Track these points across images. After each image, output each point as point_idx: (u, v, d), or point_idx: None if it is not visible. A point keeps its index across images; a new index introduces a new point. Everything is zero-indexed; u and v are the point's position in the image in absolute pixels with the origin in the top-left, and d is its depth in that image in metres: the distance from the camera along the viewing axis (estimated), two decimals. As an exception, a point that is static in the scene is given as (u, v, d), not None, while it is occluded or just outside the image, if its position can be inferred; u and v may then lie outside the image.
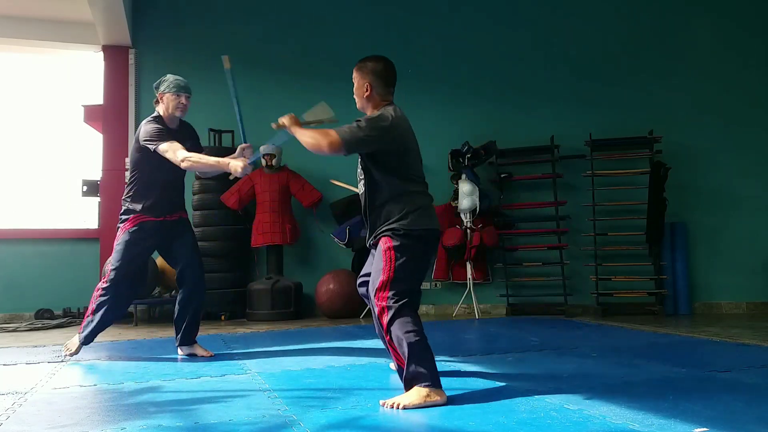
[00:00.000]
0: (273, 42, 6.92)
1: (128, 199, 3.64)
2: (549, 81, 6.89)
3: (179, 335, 3.81)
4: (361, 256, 6.48)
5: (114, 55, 6.65)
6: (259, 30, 6.91)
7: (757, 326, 4.98)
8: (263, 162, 6.28)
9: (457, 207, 6.25)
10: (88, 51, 6.89)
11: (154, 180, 3.61)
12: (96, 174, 6.66)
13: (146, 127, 3.54)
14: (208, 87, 6.71)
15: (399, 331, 2.43)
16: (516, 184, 6.68)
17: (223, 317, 6.07)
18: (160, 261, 6.02)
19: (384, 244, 2.72)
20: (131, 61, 6.63)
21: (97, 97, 6.72)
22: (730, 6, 6.89)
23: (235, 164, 3.39)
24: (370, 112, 2.86)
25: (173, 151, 3.43)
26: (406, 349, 2.40)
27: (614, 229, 6.35)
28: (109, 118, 6.59)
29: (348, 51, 6.96)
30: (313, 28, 6.96)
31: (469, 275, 6.18)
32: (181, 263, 3.78)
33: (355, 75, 3.02)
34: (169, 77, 3.67)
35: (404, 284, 2.54)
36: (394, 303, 2.48)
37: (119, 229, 3.65)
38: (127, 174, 3.77)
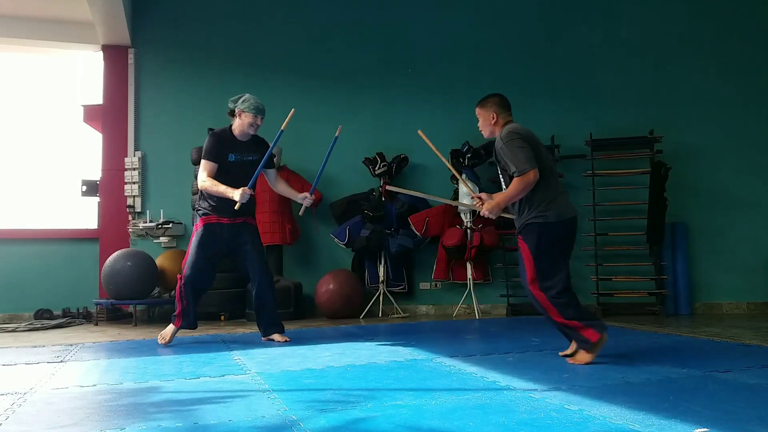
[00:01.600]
0: (273, 42, 6.91)
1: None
2: (549, 81, 6.88)
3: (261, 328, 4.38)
4: (361, 256, 6.47)
5: (113, 54, 6.65)
6: (259, 30, 6.91)
7: (757, 326, 4.97)
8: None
9: (457, 207, 6.25)
10: (88, 51, 6.89)
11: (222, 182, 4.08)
12: (95, 174, 6.66)
13: (209, 138, 4.13)
14: (208, 87, 6.72)
15: None
16: (516, 184, 6.66)
17: (223, 317, 6.07)
18: (159, 261, 6.02)
19: None
20: (131, 60, 6.63)
21: (97, 97, 6.72)
22: (730, 6, 6.88)
23: (237, 193, 3.94)
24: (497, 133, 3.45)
25: (203, 170, 4.05)
26: None
27: (615, 229, 6.35)
28: (108, 117, 6.59)
29: (348, 50, 6.99)
30: (313, 28, 6.95)
31: (469, 275, 6.17)
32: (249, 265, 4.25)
33: (479, 111, 3.69)
34: (250, 97, 4.14)
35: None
36: None
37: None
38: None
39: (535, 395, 2.50)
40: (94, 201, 6.70)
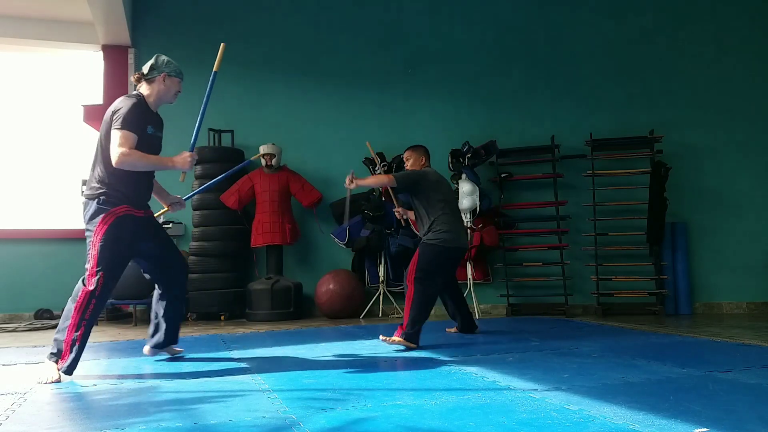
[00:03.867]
0: (273, 42, 6.91)
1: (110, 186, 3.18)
2: (549, 81, 6.88)
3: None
4: (361, 256, 6.47)
5: (113, 54, 6.65)
6: (258, 30, 6.91)
7: (757, 326, 4.97)
8: (263, 161, 6.28)
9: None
10: (88, 51, 6.89)
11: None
12: (96, 174, 6.65)
13: (129, 105, 3.24)
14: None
15: None
16: (516, 184, 6.68)
17: (222, 317, 6.07)
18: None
19: None
20: (131, 60, 6.63)
21: (97, 97, 6.72)
22: (730, 6, 6.88)
23: (179, 159, 3.24)
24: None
25: (123, 142, 3.10)
26: None
27: (615, 229, 6.34)
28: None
29: (349, 51, 6.99)
30: (313, 28, 6.95)
31: (469, 275, 6.17)
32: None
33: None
34: (170, 60, 3.45)
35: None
36: None
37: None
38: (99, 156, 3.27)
39: (535, 395, 2.50)
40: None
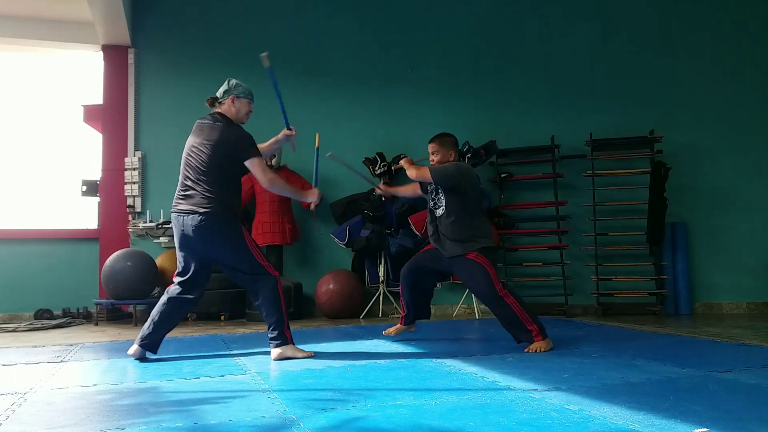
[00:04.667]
0: (273, 42, 6.90)
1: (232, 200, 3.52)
2: (550, 80, 6.89)
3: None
4: (361, 256, 6.48)
5: (114, 54, 6.65)
6: (259, 30, 6.91)
7: (757, 326, 4.97)
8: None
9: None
10: (88, 51, 6.88)
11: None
12: (96, 174, 6.66)
13: (242, 133, 3.51)
14: (208, 86, 6.69)
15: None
16: (516, 184, 6.68)
17: (223, 317, 6.07)
18: (159, 261, 6.02)
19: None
20: (131, 60, 6.63)
21: (97, 97, 6.72)
22: (730, 6, 6.89)
23: (312, 194, 3.78)
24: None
25: (262, 168, 3.50)
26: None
27: (615, 229, 6.35)
28: (108, 117, 6.59)
29: (349, 51, 6.98)
30: (313, 28, 6.95)
31: (469, 275, 6.16)
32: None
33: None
34: (241, 82, 3.62)
35: None
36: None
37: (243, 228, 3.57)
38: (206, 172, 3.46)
39: (535, 395, 2.50)
40: (94, 201, 6.70)
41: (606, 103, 6.75)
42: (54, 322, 5.76)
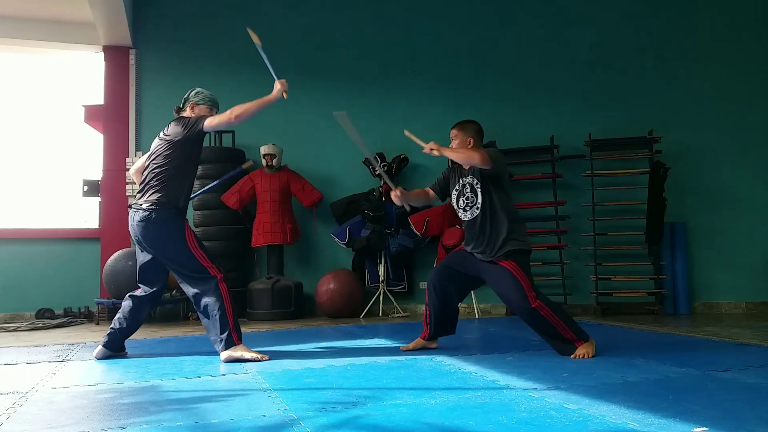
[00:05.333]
0: (273, 42, 6.90)
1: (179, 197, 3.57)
2: (549, 81, 6.89)
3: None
4: (362, 256, 6.49)
5: (114, 55, 6.66)
6: (259, 30, 6.88)
7: (756, 326, 4.98)
8: (263, 162, 6.29)
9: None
10: (89, 51, 6.90)
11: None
12: (97, 174, 6.67)
13: (186, 119, 3.58)
14: (208, 87, 6.70)
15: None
16: (516, 184, 6.67)
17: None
18: (160, 261, 6.03)
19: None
20: (132, 61, 6.64)
21: (98, 98, 6.74)
22: (730, 6, 6.89)
23: (275, 89, 3.62)
24: None
25: (221, 115, 3.49)
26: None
27: (614, 229, 6.36)
28: (109, 118, 6.60)
29: (348, 50, 6.99)
30: (314, 28, 6.96)
31: (469, 275, 6.17)
32: None
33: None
34: (204, 90, 3.75)
35: None
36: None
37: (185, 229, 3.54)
38: (158, 170, 3.56)
39: (534, 394, 2.51)
40: (96, 201, 6.71)
41: (605, 103, 6.77)
42: (55, 322, 5.78)
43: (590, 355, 3.33)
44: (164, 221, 3.49)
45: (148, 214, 3.48)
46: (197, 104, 3.69)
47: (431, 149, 3.48)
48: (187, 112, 3.70)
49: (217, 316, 3.43)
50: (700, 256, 6.48)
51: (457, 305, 3.77)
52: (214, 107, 3.73)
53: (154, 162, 3.58)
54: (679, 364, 3.14)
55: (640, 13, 6.95)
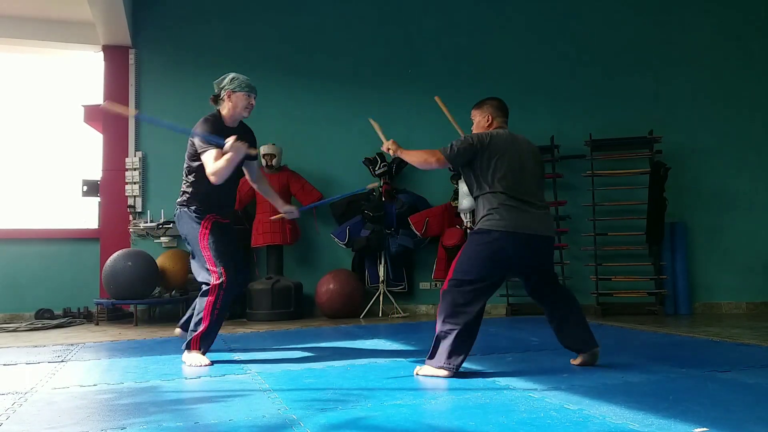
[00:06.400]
0: (274, 42, 6.92)
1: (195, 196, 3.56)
2: (549, 81, 6.89)
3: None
4: (361, 256, 6.48)
5: (114, 55, 6.65)
6: (259, 30, 6.91)
7: (757, 326, 4.98)
8: (263, 162, 6.29)
9: (457, 207, 6.25)
10: (88, 51, 6.89)
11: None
12: (96, 174, 6.67)
13: (204, 125, 3.47)
14: (208, 87, 6.70)
15: None
16: (516, 184, 6.67)
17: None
18: (160, 261, 6.02)
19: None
20: (131, 61, 6.64)
21: (97, 97, 6.73)
22: (730, 6, 6.89)
23: (231, 145, 3.26)
24: None
25: (212, 161, 3.30)
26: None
27: (614, 229, 6.35)
28: (109, 118, 6.59)
29: (349, 51, 6.99)
30: (314, 28, 6.95)
31: (469, 275, 6.16)
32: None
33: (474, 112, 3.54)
34: (239, 75, 3.57)
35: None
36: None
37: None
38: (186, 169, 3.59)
39: (534, 395, 2.51)
40: (95, 201, 6.71)
41: (606, 103, 6.76)
42: (55, 322, 5.77)
43: (431, 374, 2.91)
44: (184, 218, 3.59)
45: (176, 211, 3.65)
46: (234, 91, 3.54)
47: (388, 148, 3.29)
48: (224, 101, 3.57)
49: (198, 317, 3.45)
50: (700, 257, 6.48)
51: (548, 302, 3.25)
52: (252, 92, 3.57)
53: (185, 160, 3.63)
54: (680, 365, 3.14)
55: (641, 13, 6.94)
